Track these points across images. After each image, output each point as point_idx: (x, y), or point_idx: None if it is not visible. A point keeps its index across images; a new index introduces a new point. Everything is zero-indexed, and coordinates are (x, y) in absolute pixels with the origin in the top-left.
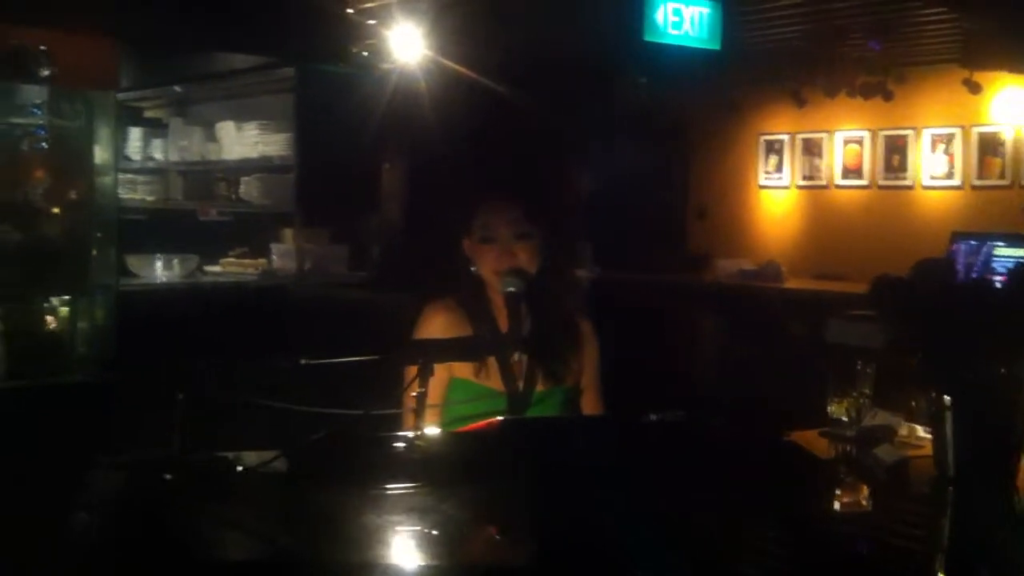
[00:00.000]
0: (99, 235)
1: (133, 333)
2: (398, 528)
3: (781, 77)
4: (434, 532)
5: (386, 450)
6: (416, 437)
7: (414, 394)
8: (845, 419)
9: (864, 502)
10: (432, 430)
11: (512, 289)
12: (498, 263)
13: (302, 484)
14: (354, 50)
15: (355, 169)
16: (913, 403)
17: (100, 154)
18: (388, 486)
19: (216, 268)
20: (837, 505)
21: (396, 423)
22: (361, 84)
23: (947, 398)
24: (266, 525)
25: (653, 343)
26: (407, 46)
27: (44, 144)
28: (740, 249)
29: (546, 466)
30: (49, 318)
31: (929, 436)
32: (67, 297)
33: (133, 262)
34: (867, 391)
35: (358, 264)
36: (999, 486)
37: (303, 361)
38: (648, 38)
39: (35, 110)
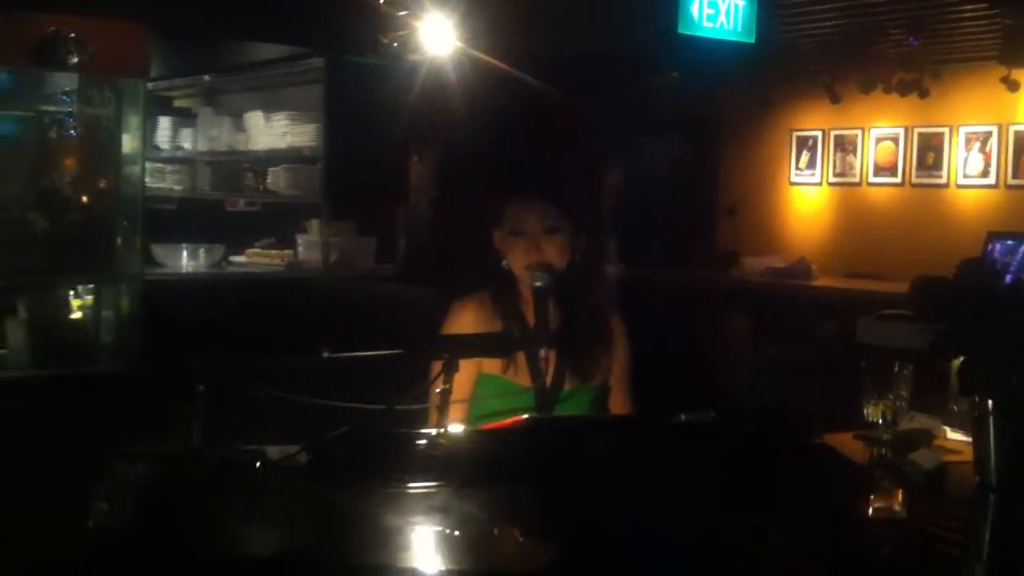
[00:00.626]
0: (125, 224)
1: (158, 323)
2: (419, 528)
3: (815, 72)
4: (455, 533)
5: (408, 447)
6: (439, 435)
7: (439, 390)
8: (881, 422)
9: (901, 509)
10: (456, 427)
11: (540, 284)
12: (527, 257)
13: (322, 481)
14: (384, 41)
15: (383, 161)
16: (954, 407)
17: (128, 143)
18: (409, 484)
19: (242, 259)
20: (872, 511)
21: (419, 419)
22: (391, 75)
23: (990, 402)
24: (285, 522)
25: (679, 341)
26: (437, 37)
27: (73, 132)
28: (770, 246)
29: (572, 467)
30: (74, 307)
31: (969, 441)
32: (92, 286)
33: (159, 252)
34: (904, 393)
35: (385, 257)
36: None
37: (326, 354)
38: (682, 31)
39: (64, 98)
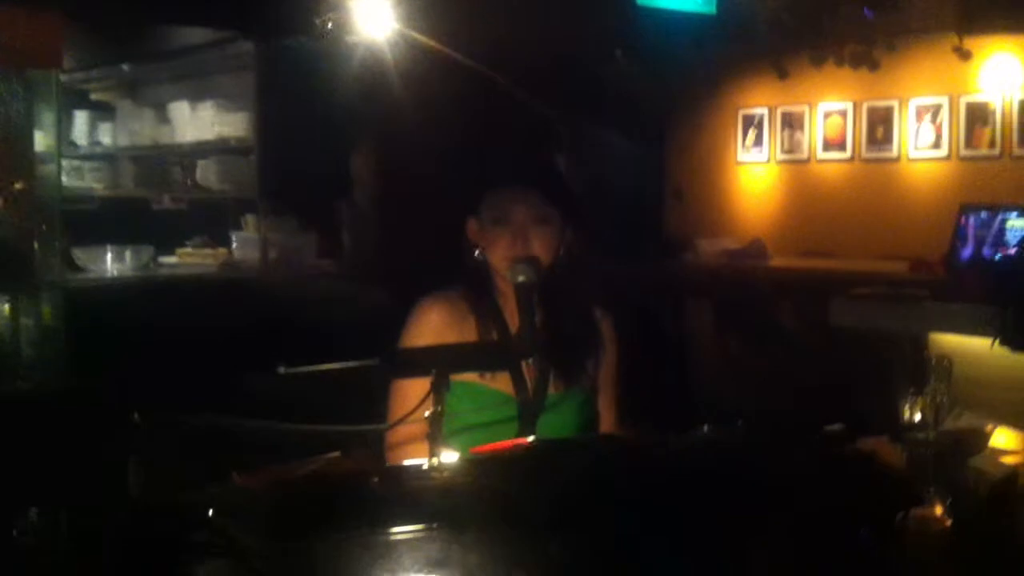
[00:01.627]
0: (42, 227)
1: (84, 332)
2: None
3: (764, 48)
4: None
5: (393, 485)
6: (431, 467)
7: (427, 414)
8: (921, 421)
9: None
10: (449, 457)
11: (523, 279)
12: (511, 249)
13: (287, 534)
14: (317, 22)
15: (322, 152)
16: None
17: (41, 140)
18: (395, 530)
19: (173, 259)
20: (929, 535)
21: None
22: (326, 59)
23: None
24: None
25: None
26: (374, 18)
27: None
28: (721, 228)
29: (590, 499)
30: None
31: None
32: (7, 296)
33: (81, 255)
34: (943, 386)
35: (328, 254)
36: None
37: (282, 370)
38: (641, 2)
39: None
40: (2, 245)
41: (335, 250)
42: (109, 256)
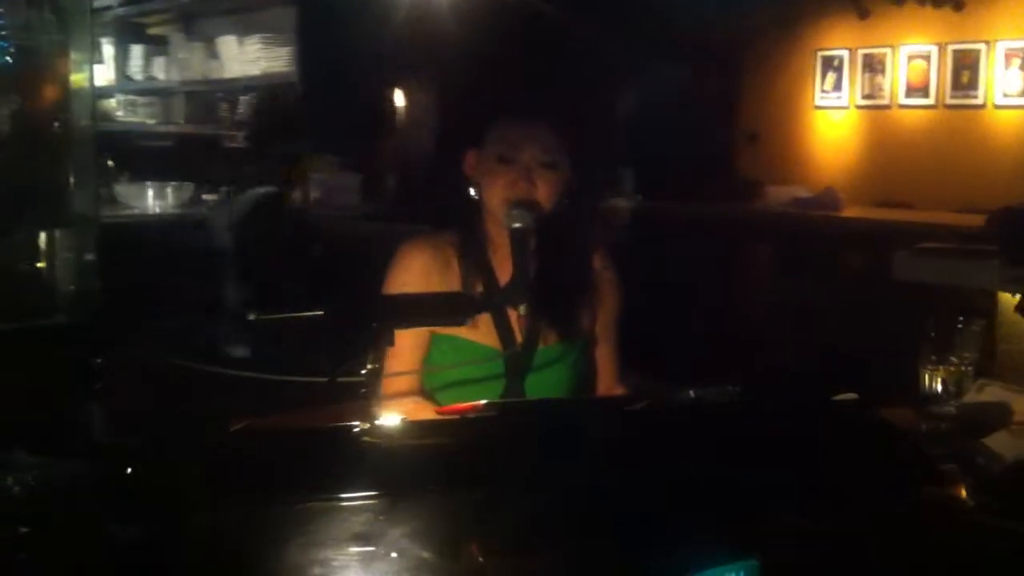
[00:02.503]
0: (79, 161)
1: (121, 269)
2: (349, 551)
3: None
4: (393, 555)
5: (328, 447)
6: (365, 429)
7: (363, 371)
8: (941, 392)
9: (969, 511)
10: (391, 420)
11: (519, 224)
12: (512, 190)
13: (214, 495)
14: None
15: (367, 90)
16: None
17: (76, 70)
18: (332, 495)
19: (215, 197)
20: (933, 513)
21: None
22: None
23: None
24: (168, 549)
25: (699, 281)
26: None
27: (9, 59)
28: (794, 175)
29: (547, 465)
30: (26, 255)
31: None
32: (44, 231)
33: (122, 191)
34: (968, 355)
35: (371, 195)
36: None
37: (252, 317)
38: None
39: None
40: (35, 180)
41: (378, 190)
42: (150, 192)
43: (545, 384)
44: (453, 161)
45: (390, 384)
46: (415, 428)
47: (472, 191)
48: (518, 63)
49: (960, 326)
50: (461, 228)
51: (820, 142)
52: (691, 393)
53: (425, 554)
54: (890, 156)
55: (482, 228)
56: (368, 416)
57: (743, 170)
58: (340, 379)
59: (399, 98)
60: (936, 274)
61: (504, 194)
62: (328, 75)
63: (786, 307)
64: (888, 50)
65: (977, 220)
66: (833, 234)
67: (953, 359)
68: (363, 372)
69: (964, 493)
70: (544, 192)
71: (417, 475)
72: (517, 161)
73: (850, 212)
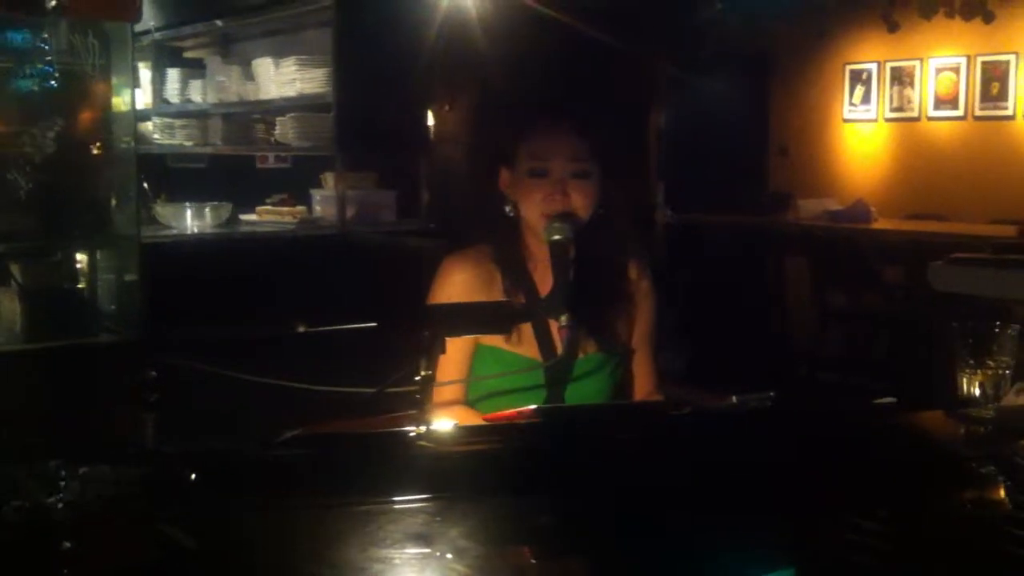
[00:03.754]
0: (120, 182)
1: (162, 288)
2: (402, 554)
3: None
4: (448, 556)
5: (382, 452)
6: (421, 434)
7: (417, 378)
8: (979, 395)
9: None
10: (444, 425)
11: (559, 237)
12: (547, 203)
13: (273, 496)
14: None
15: (403, 107)
16: None
17: (117, 93)
18: (385, 500)
19: (252, 217)
20: (974, 519)
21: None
22: (407, 11)
23: None
24: (227, 551)
25: (733, 294)
26: None
27: (54, 83)
28: (825, 188)
29: (594, 470)
30: (68, 274)
31: None
32: (86, 251)
33: (162, 212)
34: (1005, 359)
35: (408, 211)
36: None
37: (302, 329)
38: None
39: (43, 45)
40: (78, 200)
41: (415, 207)
42: (189, 213)
43: (584, 393)
44: (489, 179)
45: (438, 393)
46: (467, 433)
47: (508, 208)
48: (543, 77)
49: (996, 331)
50: (501, 242)
51: (850, 155)
52: (733, 399)
53: (478, 555)
54: (920, 169)
55: (521, 242)
56: (419, 423)
57: (775, 183)
58: (388, 390)
59: (430, 117)
60: (970, 285)
61: (540, 208)
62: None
63: (821, 315)
64: (917, 62)
65: (1008, 231)
66: (867, 245)
67: (990, 363)
68: (415, 381)
69: (1003, 495)
70: (579, 202)
71: (470, 479)
72: (549, 174)
73: (880, 224)
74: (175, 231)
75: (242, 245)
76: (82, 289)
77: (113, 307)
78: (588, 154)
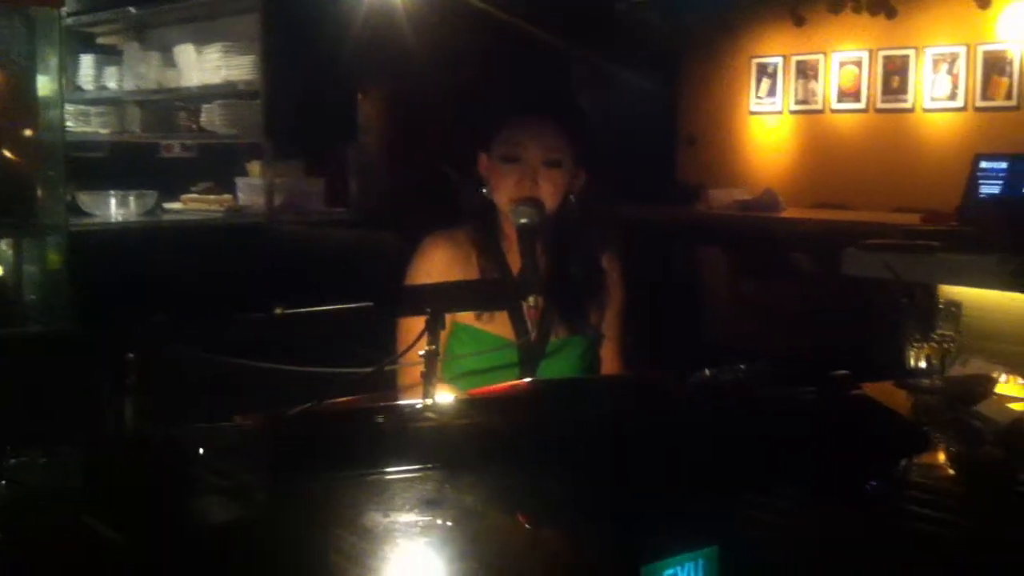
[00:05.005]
0: (46, 172)
1: (88, 278)
2: (405, 522)
3: None
4: (448, 524)
5: (386, 424)
6: (425, 407)
7: (423, 352)
8: (925, 367)
9: (969, 477)
10: (444, 397)
11: (526, 221)
12: (518, 189)
13: (281, 469)
14: None
15: (329, 95)
16: None
17: (44, 81)
18: (390, 470)
19: (177, 205)
20: (929, 481)
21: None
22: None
23: None
24: (236, 524)
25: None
26: None
27: None
28: (733, 178)
29: (589, 439)
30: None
31: None
32: (12, 240)
33: (85, 200)
34: (951, 333)
35: (335, 199)
36: None
37: (279, 311)
38: None
39: None
40: (3, 190)
41: (343, 196)
42: (113, 201)
43: (556, 374)
44: (466, 163)
45: (413, 372)
46: (464, 406)
47: (484, 191)
48: (514, 69)
49: (942, 307)
50: (478, 224)
51: (756, 146)
52: (706, 372)
53: (477, 523)
54: (824, 159)
55: (496, 225)
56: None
57: (684, 174)
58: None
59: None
60: (882, 269)
61: (511, 193)
62: (295, 84)
63: (736, 302)
64: (821, 56)
65: (911, 218)
66: (779, 233)
67: (935, 337)
68: (419, 356)
69: (951, 459)
70: (547, 190)
71: (466, 450)
72: (522, 160)
73: (789, 213)
74: (99, 219)
75: (169, 234)
76: (5, 278)
77: (35, 296)
78: (562, 143)
